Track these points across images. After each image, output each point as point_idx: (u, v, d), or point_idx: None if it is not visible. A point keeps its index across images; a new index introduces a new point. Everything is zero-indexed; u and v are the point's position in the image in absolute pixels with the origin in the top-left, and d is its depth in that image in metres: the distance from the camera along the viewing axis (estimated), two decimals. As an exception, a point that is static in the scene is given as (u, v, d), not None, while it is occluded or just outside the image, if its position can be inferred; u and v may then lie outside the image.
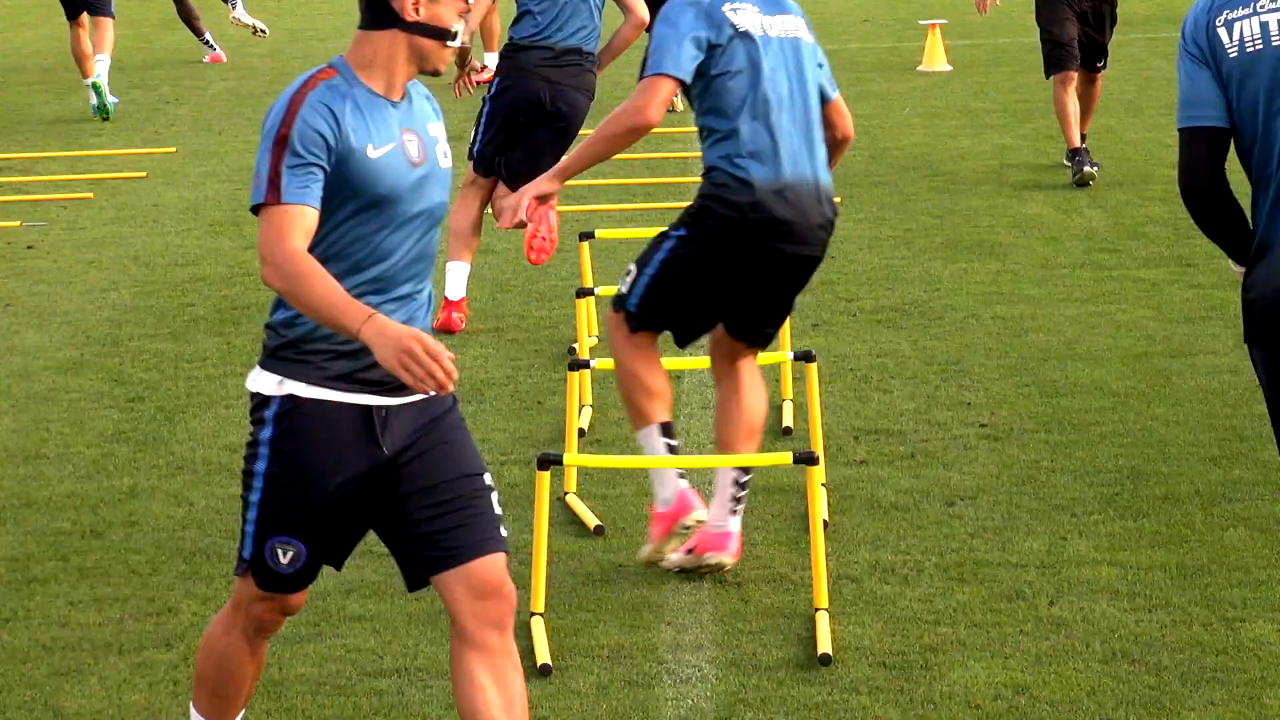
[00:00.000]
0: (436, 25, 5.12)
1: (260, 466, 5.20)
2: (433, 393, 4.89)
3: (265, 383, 5.22)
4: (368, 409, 5.15)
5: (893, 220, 12.73)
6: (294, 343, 5.21)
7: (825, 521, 7.34)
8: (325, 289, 4.91)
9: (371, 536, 7.61)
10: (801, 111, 7.11)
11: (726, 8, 7.04)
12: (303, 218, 4.97)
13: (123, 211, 13.78)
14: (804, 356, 7.94)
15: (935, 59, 19.02)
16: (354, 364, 5.12)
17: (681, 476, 7.22)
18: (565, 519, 7.76)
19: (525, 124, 10.64)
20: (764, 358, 8.52)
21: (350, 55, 5.24)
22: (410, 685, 6.40)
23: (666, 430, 7.29)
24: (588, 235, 9.96)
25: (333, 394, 5.14)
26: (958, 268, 11.47)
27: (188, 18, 20.55)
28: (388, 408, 5.17)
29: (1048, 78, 13.79)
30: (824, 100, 7.24)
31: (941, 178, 13.96)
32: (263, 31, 21.27)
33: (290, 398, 5.15)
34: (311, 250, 5.02)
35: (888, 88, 17.95)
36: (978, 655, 6.46)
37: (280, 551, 5.28)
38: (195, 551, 7.57)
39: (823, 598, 6.69)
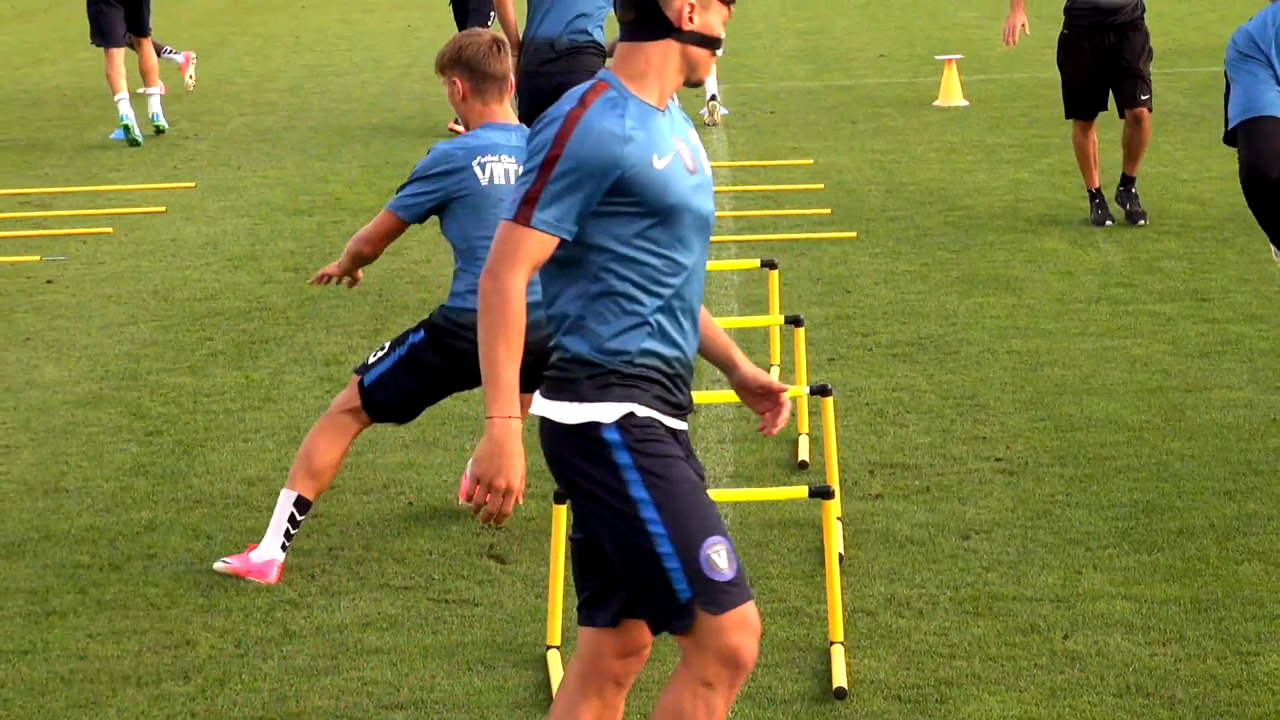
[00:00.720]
0: (708, 34, 5.03)
1: (639, 493, 4.93)
2: (479, 518, 4.88)
3: (600, 411, 4.96)
4: (675, 431, 5.03)
5: (909, 255, 12.75)
6: (617, 370, 4.98)
7: (841, 555, 7.36)
8: (510, 349, 4.85)
9: (390, 568, 7.65)
10: None
11: (476, 162, 7.71)
12: (541, 249, 4.88)
13: (141, 246, 13.82)
14: (820, 391, 7.95)
15: (951, 94, 19.05)
16: (666, 391, 5.00)
17: None
18: (581, 552, 7.76)
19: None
20: (780, 392, 8.54)
21: (619, 68, 5.03)
22: (426, 718, 6.42)
23: (302, 505, 7.71)
24: None
25: (657, 414, 4.98)
26: (973, 302, 11.49)
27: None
28: (682, 432, 5.07)
29: (1067, 119, 13.72)
30: None
31: (958, 213, 13.98)
32: (190, 79, 20.92)
33: (629, 416, 4.94)
34: (606, 273, 4.92)
35: (904, 123, 17.98)
36: (992, 689, 6.47)
37: (714, 557, 4.95)
38: (213, 584, 7.59)
39: (838, 631, 6.70)
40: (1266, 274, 11.84)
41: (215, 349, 11.05)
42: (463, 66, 7.84)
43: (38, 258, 13.47)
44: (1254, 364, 10.09)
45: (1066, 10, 13.44)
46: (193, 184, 16.07)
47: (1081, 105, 13.42)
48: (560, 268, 5.00)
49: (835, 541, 6.79)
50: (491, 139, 7.90)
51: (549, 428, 5.01)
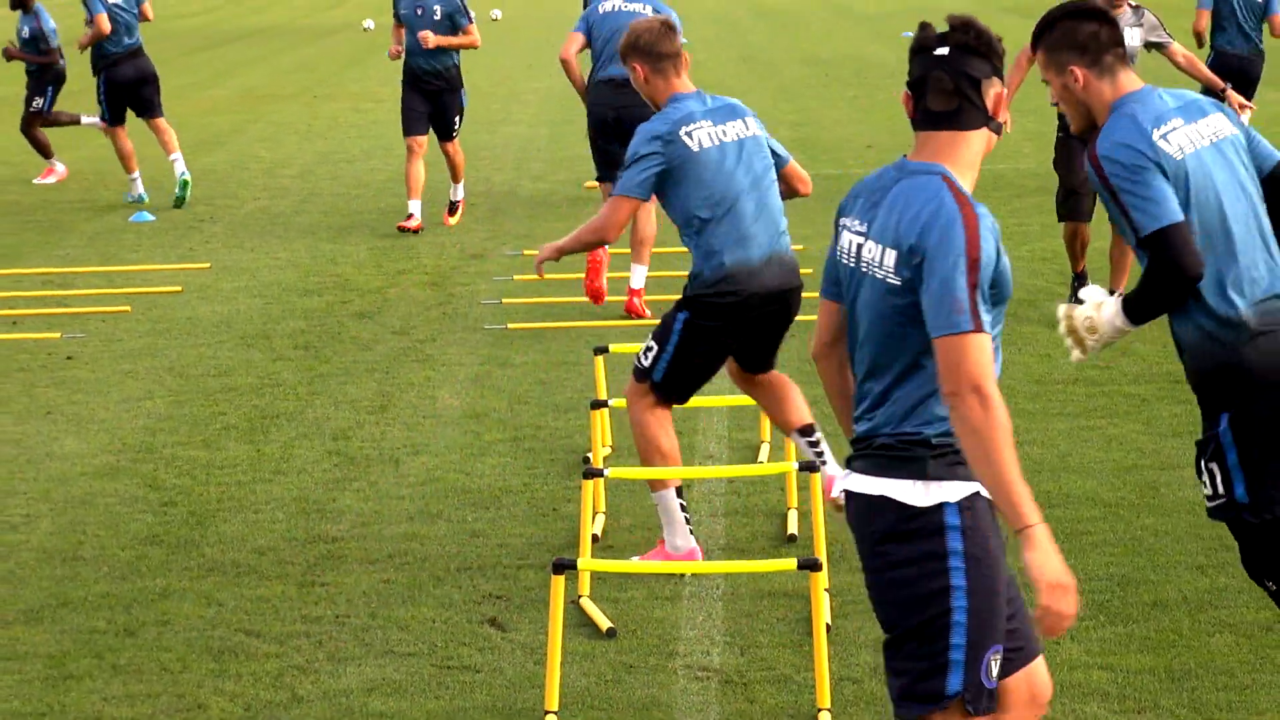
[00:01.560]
0: (1002, 122, 5.05)
1: (958, 580, 4.82)
2: (1043, 634, 4.73)
3: (948, 491, 4.86)
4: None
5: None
6: (955, 450, 4.86)
7: (828, 625, 7.35)
8: (1013, 453, 4.73)
9: (394, 635, 7.64)
10: (763, 195, 8.25)
11: (683, 131, 8.02)
12: (988, 350, 4.74)
13: (158, 324, 13.84)
14: (808, 467, 7.97)
15: (935, 183, 19.09)
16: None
17: (692, 533, 8.37)
18: (579, 621, 7.77)
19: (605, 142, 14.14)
20: (770, 468, 8.56)
21: (946, 158, 4.93)
22: (429, 780, 6.40)
23: (679, 493, 8.34)
24: (602, 350, 10.02)
25: (978, 486, 4.87)
26: None
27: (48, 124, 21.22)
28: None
29: (1059, 221, 13.38)
30: (781, 164, 8.37)
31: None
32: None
33: (974, 496, 4.86)
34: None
35: (890, 210, 18.02)
36: (974, 755, 6.45)
37: (993, 664, 4.88)
38: (224, 650, 7.59)
39: (825, 698, 6.70)
40: (1237, 357, 11.84)
41: (228, 423, 11.06)
42: (640, 52, 8.28)
43: (59, 335, 13.49)
44: (1225, 443, 10.09)
45: (1061, 114, 13.04)
46: (208, 265, 16.10)
47: (1076, 208, 13.07)
48: (912, 355, 4.88)
49: (823, 612, 6.79)
50: (687, 108, 8.26)
51: (893, 507, 4.86)
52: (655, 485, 8.32)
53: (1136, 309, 6.26)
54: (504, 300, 14.22)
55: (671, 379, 8.32)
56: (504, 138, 24.35)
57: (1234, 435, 6.11)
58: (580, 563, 6.99)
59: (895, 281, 4.87)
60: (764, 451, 10.14)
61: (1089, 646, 7.39)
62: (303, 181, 20.94)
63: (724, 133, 8.27)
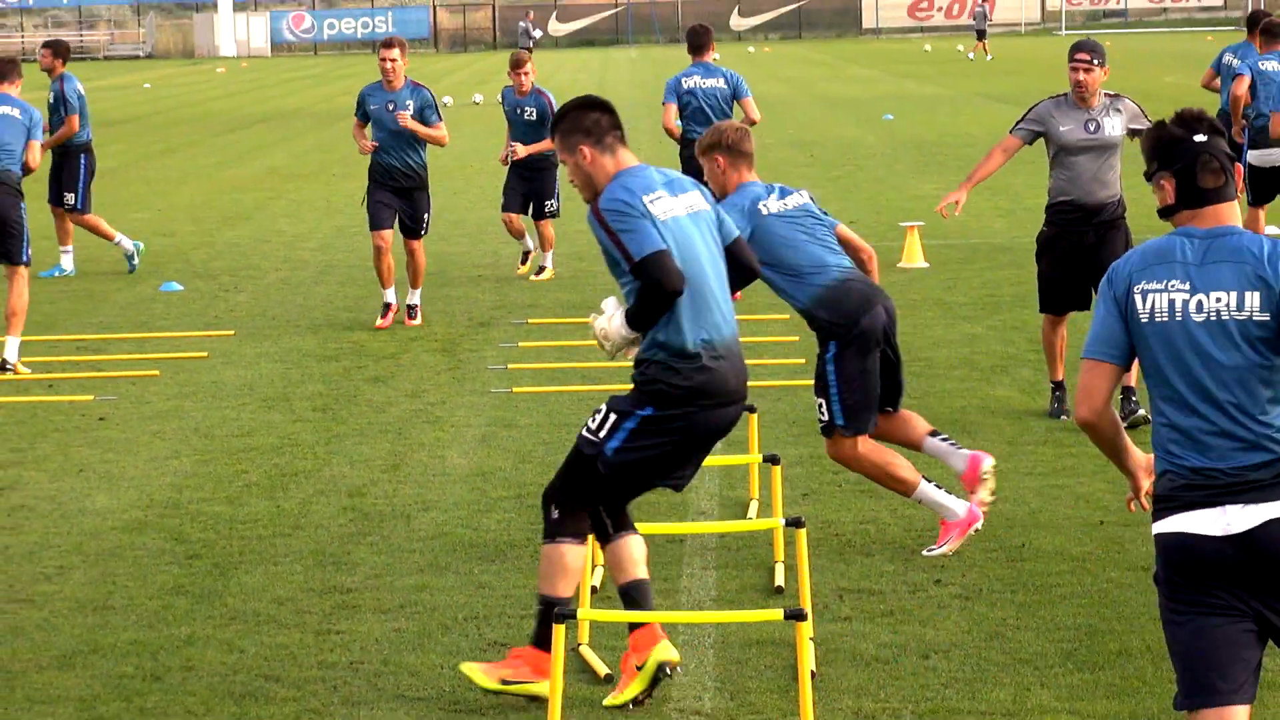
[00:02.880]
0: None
1: None
2: None
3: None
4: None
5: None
6: None
7: (813, 672, 7.33)
8: None
9: (405, 681, 7.61)
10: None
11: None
12: None
13: (185, 388, 13.84)
14: (794, 523, 7.96)
15: (913, 256, 19.14)
16: None
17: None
18: (578, 667, 7.75)
19: None
20: (759, 524, 8.56)
21: (1228, 220, 5.50)
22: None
23: (927, 480, 9.28)
24: None
25: None
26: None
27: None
28: None
29: (1041, 313, 12.33)
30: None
31: (919, 363, 14.01)
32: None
33: None
34: None
35: (871, 282, 18.05)
36: (950, 794, 6.43)
37: None
38: (245, 694, 7.56)
39: (810, 741, 6.67)
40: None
41: (250, 481, 11.05)
42: (725, 149, 9.24)
43: (92, 397, 13.48)
44: (1185, 502, 10.08)
45: (1047, 208, 12.11)
46: (232, 332, 16.10)
47: (1055, 300, 12.09)
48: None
49: (808, 660, 6.78)
50: (755, 191, 9.30)
51: None
52: (906, 492, 9.26)
53: (635, 320, 7.26)
54: (509, 365, 14.23)
55: (850, 418, 9.20)
56: (510, 214, 24.34)
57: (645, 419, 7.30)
58: (580, 612, 6.98)
59: (1264, 318, 5.33)
60: (753, 508, 10.13)
61: (1058, 693, 7.37)
62: (321, 254, 20.97)
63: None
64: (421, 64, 76.76)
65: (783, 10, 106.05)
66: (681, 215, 7.27)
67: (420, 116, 16.02)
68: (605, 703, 7.28)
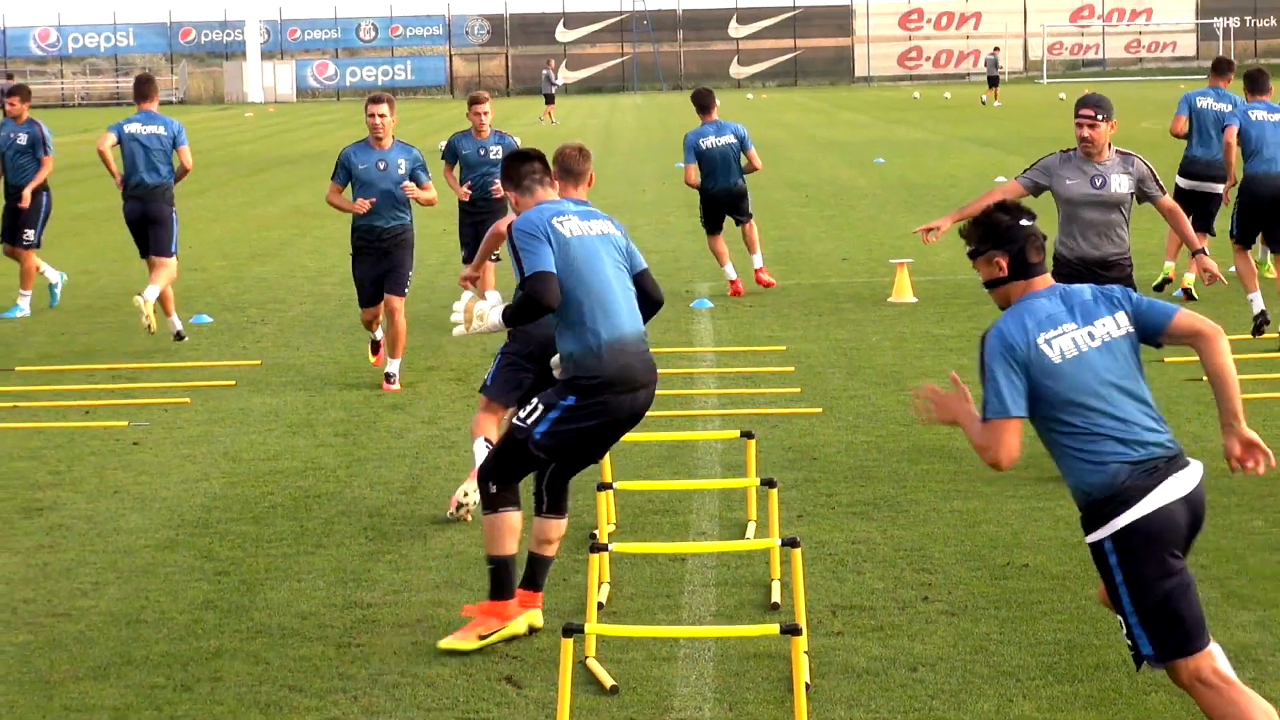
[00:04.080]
0: None
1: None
2: None
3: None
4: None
5: (866, 428, 12.77)
6: None
7: (807, 684, 7.33)
8: None
9: (422, 691, 7.60)
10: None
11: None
12: None
13: (214, 414, 13.85)
14: (789, 543, 7.96)
15: (903, 292, 19.15)
16: None
17: None
18: (586, 679, 7.74)
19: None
20: (756, 544, 8.55)
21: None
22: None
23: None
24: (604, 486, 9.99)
25: None
26: (921, 468, 11.50)
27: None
28: None
29: None
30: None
31: (907, 393, 14.02)
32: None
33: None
34: None
35: (862, 316, 18.06)
36: (937, 800, 6.42)
37: None
38: (270, 704, 7.56)
39: (804, 749, 6.66)
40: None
41: (275, 502, 11.05)
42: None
43: (126, 423, 13.49)
44: (1160, 523, 10.08)
45: (1056, 260, 11.35)
46: (259, 362, 16.12)
47: None
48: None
49: (802, 672, 6.77)
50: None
51: None
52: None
53: (510, 318, 8.27)
54: (521, 394, 14.22)
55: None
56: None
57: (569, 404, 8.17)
58: (587, 627, 6.98)
59: (1131, 329, 6.26)
60: (751, 529, 10.13)
61: (1039, 704, 7.36)
62: (344, 288, 20.97)
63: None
64: (438, 110, 76.89)
65: (779, 59, 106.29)
66: (590, 235, 8.21)
67: (412, 177, 14.54)
68: (441, 645, 8.06)
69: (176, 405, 14.23)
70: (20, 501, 11.20)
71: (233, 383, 15.14)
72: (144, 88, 17.38)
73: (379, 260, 14.63)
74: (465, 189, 17.14)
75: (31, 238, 19.56)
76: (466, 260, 17.66)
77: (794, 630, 6.59)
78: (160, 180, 17.05)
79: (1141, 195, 11.28)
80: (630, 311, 8.24)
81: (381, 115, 14.52)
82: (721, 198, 19.63)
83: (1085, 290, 6.30)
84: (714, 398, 14.01)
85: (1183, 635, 5.98)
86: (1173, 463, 6.09)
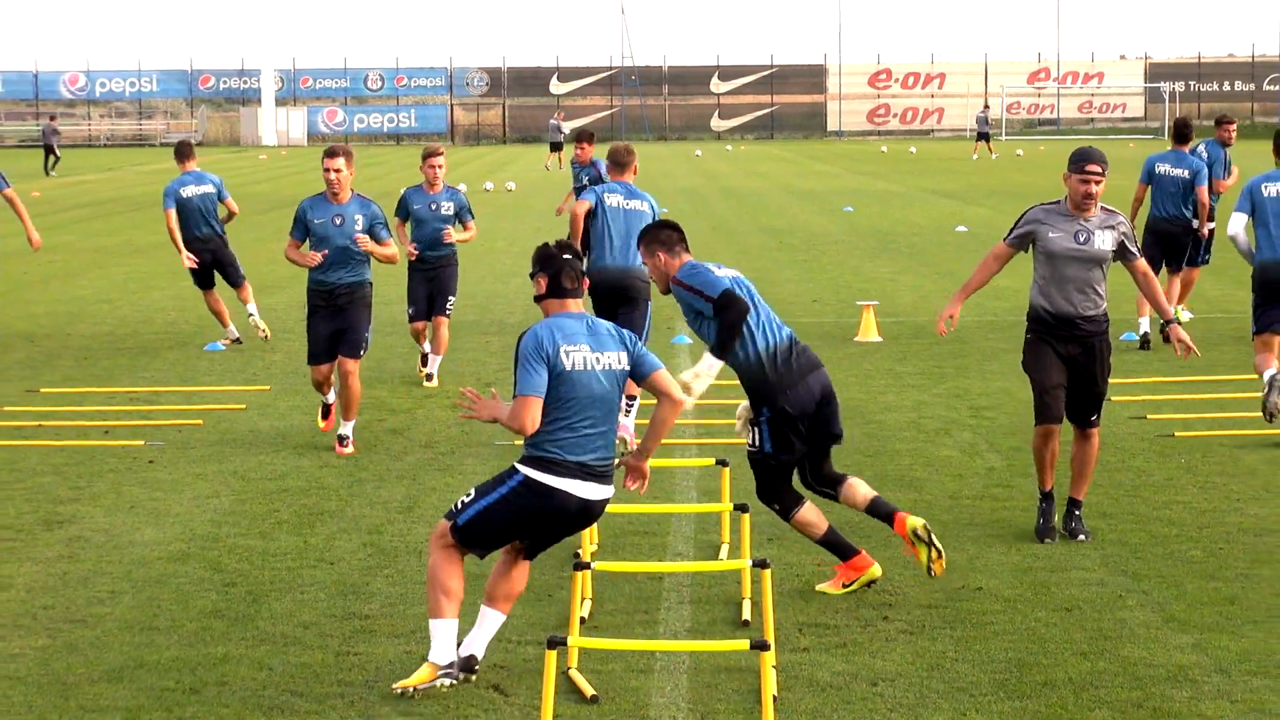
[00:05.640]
0: None
1: None
2: None
3: None
4: None
5: (833, 458, 12.73)
6: None
7: (775, 696, 7.32)
8: None
9: (416, 698, 7.56)
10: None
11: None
12: None
13: (225, 436, 13.82)
14: (760, 564, 7.95)
15: (869, 332, 19.18)
16: None
17: None
18: (568, 689, 7.72)
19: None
20: (728, 564, 8.54)
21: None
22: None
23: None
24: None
25: None
26: (883, 495, 11.47)
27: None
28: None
29: (1038, 424, 10.32)
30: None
31: (871, 425, 14.03)
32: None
33: None
34: None
35: (831, 354, 18.08)
36: (894, 807, 6.39)
37: None
38: (273, 708, 7.53)
39: (771, 757, 6.64)
40: (1114, 480, 11.87)
41: (281, 519, 11.03)
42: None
43: (142, 443, 13.46)
44: (1105, 551, 10.11)
45: (1029, 316, 10.37)
46: (268, 387, 16.09)
47: (1045, 406, 10.23)
48: None
49: (770, 685, 6.76)
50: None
51: None
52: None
53: (716, 350, 9.34)
54: (512, 421, 14.19)
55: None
56: (514, 288, 24.45)
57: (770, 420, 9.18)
58: (570, 640, 6.97)
59: (626, 366, 7.70)
60: (724, 551, 10.12)
61: (991, 718, 7.35)
62: (348, 320, 20.93)
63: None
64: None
65: (757, 114, 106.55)
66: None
67: (370, 233, 13.13)
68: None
69: (190, 426, 14.21)
70: (42, 514, 11.17)
71: (243, 406, 15.11)
72: (186, 150, 18.90)
73: (333, 317, 13.13)
74: (412, 248, 15.95)
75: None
76: (414, 319, 16.14)
77: (763, 646, 6.58)
78: (215, 233, 18.78)
79: (1119, 254, 10.25)
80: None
81: (337, 170, 13.11)
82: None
83: (607, 326, 7.63)
84: (691, 427, 14.01)
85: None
86: (591, 472, 7.58)
